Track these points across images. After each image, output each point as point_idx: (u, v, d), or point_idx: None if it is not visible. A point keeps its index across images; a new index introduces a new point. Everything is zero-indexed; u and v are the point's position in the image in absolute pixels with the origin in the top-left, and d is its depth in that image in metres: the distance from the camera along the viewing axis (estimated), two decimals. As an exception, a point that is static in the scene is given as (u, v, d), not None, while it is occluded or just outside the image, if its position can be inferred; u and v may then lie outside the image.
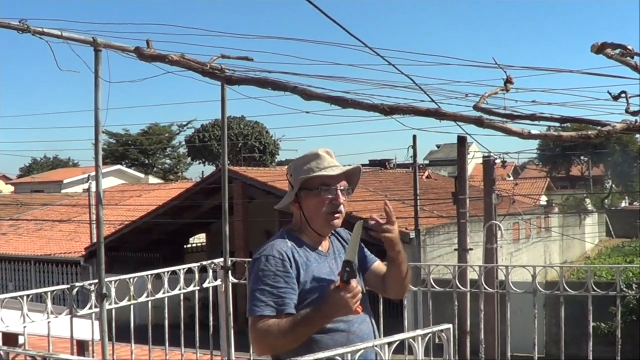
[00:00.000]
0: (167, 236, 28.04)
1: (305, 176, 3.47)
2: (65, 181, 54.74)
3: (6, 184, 65.78)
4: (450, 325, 3.18)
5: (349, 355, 2.81)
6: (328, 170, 3.48)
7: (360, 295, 3.23)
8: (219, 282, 6.30)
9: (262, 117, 67.58)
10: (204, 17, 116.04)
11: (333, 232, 3.66)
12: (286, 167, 3.86)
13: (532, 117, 3.54)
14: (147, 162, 70.26)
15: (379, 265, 3.79)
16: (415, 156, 22.33)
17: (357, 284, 3.23)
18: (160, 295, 5.88)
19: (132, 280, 5.70)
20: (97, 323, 5.26)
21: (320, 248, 3.53)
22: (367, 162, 41.86)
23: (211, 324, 6.30)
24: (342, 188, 3.52)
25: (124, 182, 48.35)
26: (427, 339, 3.09)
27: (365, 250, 3.81)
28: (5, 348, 3.23)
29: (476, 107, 3.48)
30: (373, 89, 4.97)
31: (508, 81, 3.63)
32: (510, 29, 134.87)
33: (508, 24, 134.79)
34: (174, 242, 28.96)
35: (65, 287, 5.31)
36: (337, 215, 3.49)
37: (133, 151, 67.44)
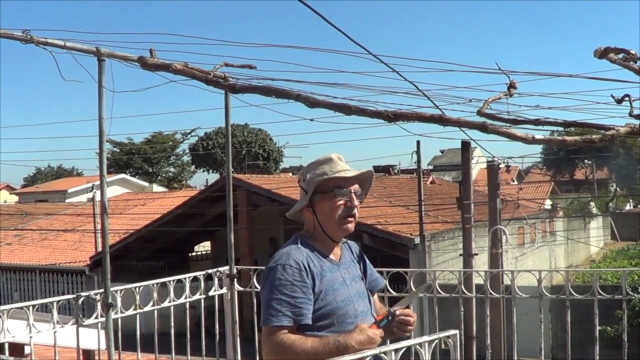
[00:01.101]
0: (172, 244, 28.02)
1: (320, 178, 3.46)
2: (69, 190, 54.79)
3: (10, 193, 65.81)
4: (457, 331, 3.17)
5: (356, 362, 2.80)
6: (342, 173, 3.47)
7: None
8: (224, 290, 6.30)
9: (266, 124, 67.71)
10: (207, 25, 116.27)
11: (345, 242, 3.66)
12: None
13: (536, 122, 3.54)
14: (151, 170, 70.40)
15: (375, 298, 3.81)
16: (419, 161, 22.32)
17: (382, 334, 3.28)
18: (165, 304, 5.88)
19: (137, 289, 5.70)
20: (102, 332, 5.27)
21: (332, 256, 3.51)
22: (371, 168, 41.79)
23: (217, 331, 6.30)
24: (356, 192, 3.51)
25: (128, 191, 48.43)
26: (433, 344, 3.08)
27: (374, 271, 3.81)
28: (11, 358, 3.23)
29: (480, 113, 3.48)
30: (376, 95, 4.98)
31: (511, 86, 3.63)
32: (513, 35, 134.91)
33: (510, 30, 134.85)
34: (178, 250, 28.94)
35: (70, 296, 5.31)
36: (350, 219, 3.47)
37: (137, 160, 67.58)
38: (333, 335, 3.24)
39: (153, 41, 4.19)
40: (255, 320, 3.60)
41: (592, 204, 51.37)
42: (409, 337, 3.36)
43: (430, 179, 37.08)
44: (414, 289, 6.02)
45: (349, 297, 3.42)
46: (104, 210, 4.87)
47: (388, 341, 3.53)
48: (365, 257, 3.77)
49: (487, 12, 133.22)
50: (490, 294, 6.16)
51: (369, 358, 2.86)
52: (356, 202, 3.48)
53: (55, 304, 5.10)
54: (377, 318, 3.36)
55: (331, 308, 3.33)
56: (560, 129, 4.19)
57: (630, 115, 3.39)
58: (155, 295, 5.81)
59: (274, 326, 3.23)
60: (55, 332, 5.07)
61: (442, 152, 70.46)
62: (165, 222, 26.18)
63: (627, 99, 3.36)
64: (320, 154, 3.59)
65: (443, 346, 3.23)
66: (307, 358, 3.17)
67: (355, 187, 3.52)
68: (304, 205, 3.53)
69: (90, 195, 32.77)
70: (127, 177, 59.10)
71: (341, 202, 3.45)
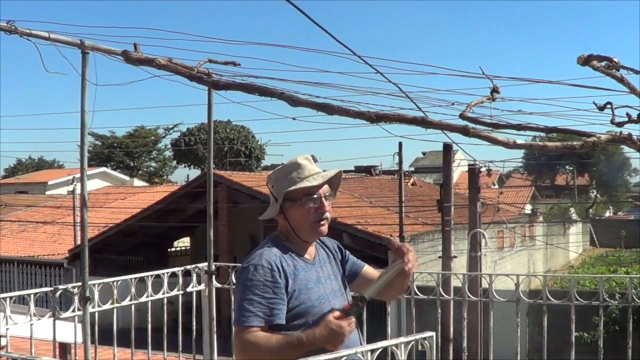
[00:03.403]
0: (151, 239, 27.93)
1: (287, 189, 3.47)
2: (50, 182, 54.45)
3: (-10, 184, 65.42)
4: (433, 333, 3.18)
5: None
6: (310, 179, 3.47)
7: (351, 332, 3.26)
8: (202, 287, 6.29)
9: (248, 122, 67.71)
10: (192, 21, 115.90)
11: (318, 240, 3.66)
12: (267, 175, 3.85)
13: (518, 127, 3.55)
14: (132, 164, 70.09)
15: (368, 270, 3.83)
16: (400, 163, 22.36)
17: (352, 322, 3.26)
18: (143, 299, 5.87)
19: (115, 283, 5.68)
20: (79, 325, 5.25)
21: (306, 255, 3.53)
22: (353, 168, 41.85)
23: (194, 327, 6.29)
24: (326, 194, 3.51)
25: (108, 185, 48.20)
26: (409, 346, 3.09)
27: (350, 255, 3.82)
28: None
29: (462, 116, 3.48)
30: (359, 95, 4.99)
31: (494, 90, 3.64)
32: (497, 40, 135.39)
33: (494, 35, 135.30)
34: (158, 245, 28.85)
35: (48, 289, 5.29)
36: (322, 223, 3.50)
37: (118, 153, 67.27)
38: (297, 332, 3.24)
39: (137, 36, 4.17)
40: (232, 317, 3.59)
41: (572, 209, 51.63)
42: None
43: (412, 180, 37.12)
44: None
45: (324, 295, 3.43)
46: (84, 203, 4.85)
47: (359, 337, 3.54)
48: (342, 247, 3.81)
49: (471, 17, 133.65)
50: (468, 296, 6.18)
51: (344, 358, 2.86)
52: (327, 207, 3.50)
53: (32, 296, 5.08)
54: (346, 306, 3.34)
55: (305, 307, 3.34)
56: (542, 134, 4.22)
57: (612, 122, 3.40)
58: (133, 290, 5.79)
59: (244, 326, 3.24)
60: (31, 324, 5.05)
61: (424, 154, 70.44)
62: (145, 217, 26.09)
63: (609, 106, 3.37)
64: (302, 153, 3.59)
65: (420, 348, 3.24)
66: (272, 354, 3.18)
67: (325, 189, 3.53)
68: (275, 213, 3.54)
69: (70, 187, 32.51)
70: (108, 170, 58.81)
71: (311, 208, 3.47)
